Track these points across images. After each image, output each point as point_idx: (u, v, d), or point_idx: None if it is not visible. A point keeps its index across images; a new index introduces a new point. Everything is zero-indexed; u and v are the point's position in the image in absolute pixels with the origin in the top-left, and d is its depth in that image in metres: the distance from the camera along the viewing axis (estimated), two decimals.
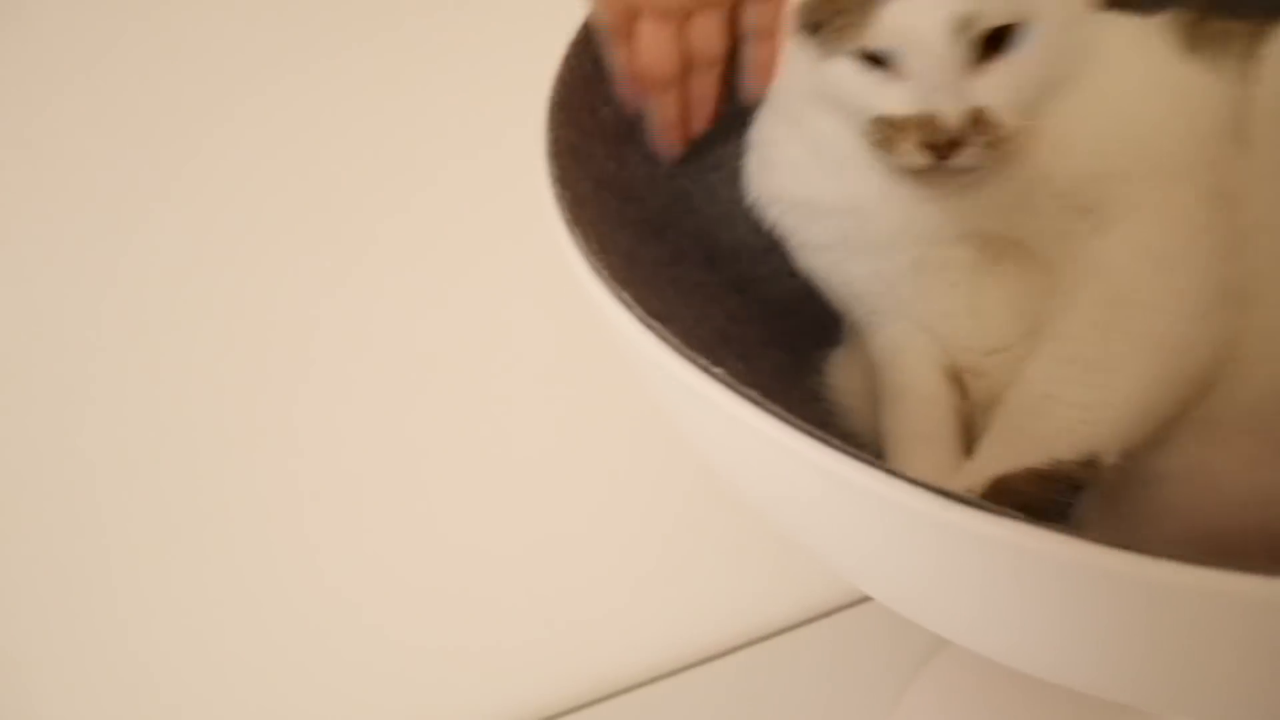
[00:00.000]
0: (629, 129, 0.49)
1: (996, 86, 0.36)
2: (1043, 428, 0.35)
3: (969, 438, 0.40)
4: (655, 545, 0.60)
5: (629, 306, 0.33)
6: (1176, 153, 0.37)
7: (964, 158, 0.36)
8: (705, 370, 0.30)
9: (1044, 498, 0.35)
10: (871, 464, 0.27)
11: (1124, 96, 0.38)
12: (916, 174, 0.38)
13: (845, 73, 0.37)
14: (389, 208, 0.56)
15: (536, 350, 0.57)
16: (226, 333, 0.54)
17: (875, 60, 0.37)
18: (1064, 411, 0.35)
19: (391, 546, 0.57)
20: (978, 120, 0.36)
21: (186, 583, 0.55)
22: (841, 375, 0.47)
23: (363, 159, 0.55)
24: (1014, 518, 0.25)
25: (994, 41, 0.36)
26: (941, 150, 0.36)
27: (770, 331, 0.49)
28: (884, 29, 0.35)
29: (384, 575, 0.57)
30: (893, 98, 0.37)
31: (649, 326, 0.32)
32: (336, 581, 0.57)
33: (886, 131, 0.37)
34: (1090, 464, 0.35)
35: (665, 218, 0.50)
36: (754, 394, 0.29)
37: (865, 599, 0.59)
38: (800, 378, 0.49)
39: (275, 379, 0.55)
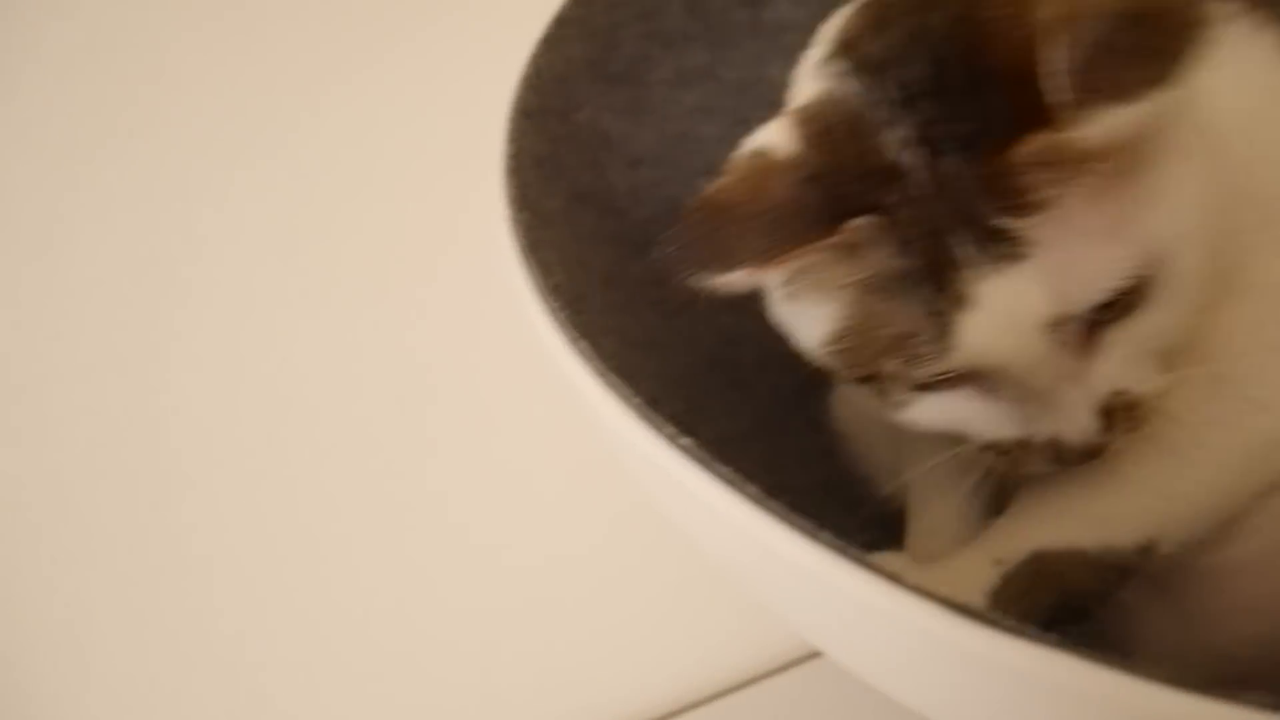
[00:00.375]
0: (606, 135, 0.45)
1: (1122, 356, 0.27)
2: (1104, 505, 0.30)
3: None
4: (613, 600, 0.56)
5: (587, 357, 0.29)
6: None
7: (1114, 449, 0.28)
8: (671, 440, 0.25)
9: (1085, 583, 0.30)
10: (859, 564, 0.22)
11: None
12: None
13: (925, 410, 0.29)
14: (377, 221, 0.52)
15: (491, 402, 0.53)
16: (232, 343, 0.52)
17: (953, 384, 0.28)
18: (1133, 492, 0.30)
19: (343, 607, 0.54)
20: (1113, 412, 0.28)
21: (190, 589, 0.52)
22: (847, 404, 0.42)
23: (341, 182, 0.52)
24: (1026, 637, 0.21)
25: (1117, 305, 0.27)
26: (1084, 459, 0.28)
27: (769, 352, 0.44)
28: (956, 354, 0.26)
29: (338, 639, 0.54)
30: (999, 422, 0.29)
31: (610, 385, 0.28)
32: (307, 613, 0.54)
33: (1003, 457, 0.29)
34: (1146, 551, 0.30)
35: (650, 231, 0.45)
36: (727, 471, 0.24)
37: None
38: (802, 402, 0.44)
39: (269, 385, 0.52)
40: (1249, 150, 0.29)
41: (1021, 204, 0.25)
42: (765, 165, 0.28)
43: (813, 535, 0.23)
